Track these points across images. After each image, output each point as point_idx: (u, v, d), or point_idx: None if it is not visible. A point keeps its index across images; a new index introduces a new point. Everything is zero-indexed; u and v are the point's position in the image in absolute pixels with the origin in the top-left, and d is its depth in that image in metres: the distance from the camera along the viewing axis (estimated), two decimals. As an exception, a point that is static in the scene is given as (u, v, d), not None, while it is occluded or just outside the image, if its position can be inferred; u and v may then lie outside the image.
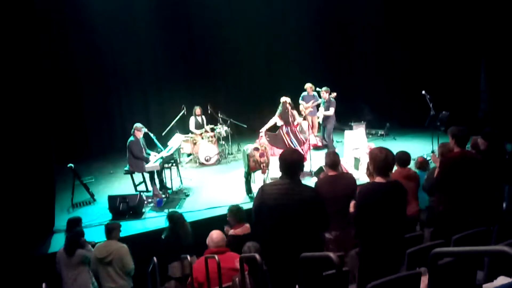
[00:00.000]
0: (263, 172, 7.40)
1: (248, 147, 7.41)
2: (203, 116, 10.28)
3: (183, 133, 9.81)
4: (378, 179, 3.30)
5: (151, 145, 8.29)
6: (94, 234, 6.26)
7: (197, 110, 10.14)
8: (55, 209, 6.85)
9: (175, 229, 5.32)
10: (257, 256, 3.24)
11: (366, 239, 3.31)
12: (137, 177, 7.84)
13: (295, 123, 8.28)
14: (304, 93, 10.34)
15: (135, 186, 7.79)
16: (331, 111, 9.17)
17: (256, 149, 7.32)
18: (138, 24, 11.64)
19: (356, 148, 8.37)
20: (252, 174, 7.62)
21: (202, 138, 9.77)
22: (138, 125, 7.70)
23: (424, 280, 2.80)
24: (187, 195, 7.82)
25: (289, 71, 12.47)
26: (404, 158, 5.11)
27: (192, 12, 12.26)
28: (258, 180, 7.76)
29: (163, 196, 7.62)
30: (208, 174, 9.09)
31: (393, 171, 5.26)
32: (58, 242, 6.08)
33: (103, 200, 7.54)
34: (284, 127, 8.20)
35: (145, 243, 5.67)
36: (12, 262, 5.70)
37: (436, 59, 11.03)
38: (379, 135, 11.23)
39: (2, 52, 6.08)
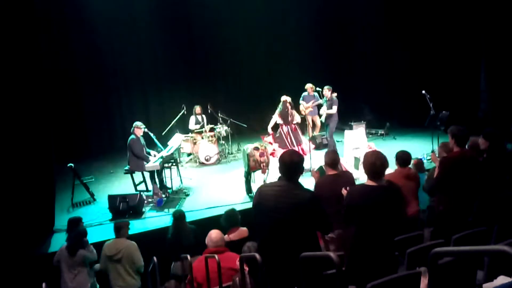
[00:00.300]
0: (263, 172, 7.40)
1: (248, 147, 7.41)
2: (203, 116, 10.29)
3: (183, 132, 9.81)
4: (368, 182, 3.30)
5: (151, 145, 8.29)
6: (94, 233, 6.27)
7: (197, 109, 10.14)
8: (55, 209, 6.84)
9: (176, 227, 5.35)
10: (257, 256, 3.24)
11: (354, 240, 3.30)
12: (137, 176, 7.84)
13: (294, 122, 8.31)
14: (305, 93, 10.35)
15: (135, 185, 7.78)
16: (334, 109, 9.18)
17: (256, 148, 7.33)
18: (138, 24, 11.65)
19: (356, 148, 8.37)
20: (252, 174, 7.62)
21: (202, 137, 9.78)
22: (137, 123, 7.70)
23: (424, 280, 2.80)
24: (187, 195, 7.82)
25: (289, 71, 12.47)
26: (404, 157, 5.11)
27: (192, 12, 12.27)
28: (258, 180, 7.75)
29: (163, 195, 7.62)
30: (208, 173, 9.09)
31: (393, 170, 5.32)
32: (58, 242, 6.08)
33: (103, 199, 7.54)
34: (283, 126, 8.23)
35: (145, 242, 5.66)
36: (12, 262, 5.70)
37: (436, 59, 11.03)
38: (379, 135, 11.23)
39: (2, 52, 6.08)
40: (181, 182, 8.34)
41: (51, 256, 5.38)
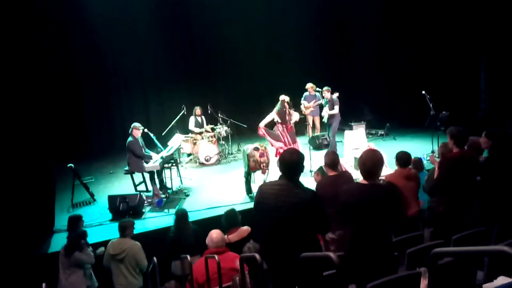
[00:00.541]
0: (263, 172, 7.40)
1: (248, 147, 7.41)
2: (203, 116, 10.29)
3: (183, 133, 9.81)
4: (362, 181, 3.30)
5: (151, 145, 8.29)
6: (94, 234, 6.27)
7: (197, 110, 10.15)
8: (55, 209, 6.84)
9: (178, 226, 5.36)
10: (257, 256, 3.24)
11: (350, 239, 3.30)
12: (137, 177, 7.84)
13: (291, 122, 8.36)
14: (306, 93, 10.36)
15: (135, 186, 7.78)
16: (336, 109, 9.19)
17: (256, 149, 7.33)
18: (138, 24, 11.66)
19: (356, 148, 8.37)
20: (252, 174, 7.62)
21: (202, 138, 9.78)
22: (136, 124, 7.68)
23: (424, 280, 2.80)
24: (187, 195, 7.82)
25: (289, 71, 12.47)
26: (404, 158, 5.11)
27: (192, 12, 12.28)
28: (258, 180, 7.75)
29: (163, 196, 7.62)
30: (208, 174, 9.09)
31: (394, 171, 5.32)
32: (58, 242, 6.07)
33: (103, 200, 7.54)
34: (280, 125, 8.27)
35: (145, 243, 5.65)
36: (12, 262, 5.70)
37: (436, 59, 11.03)
38: (379, 135, 11.23)
39: (2, 52, 6.08)
40: (181, 183, 8.34)
41: (51, 256, 5.40)
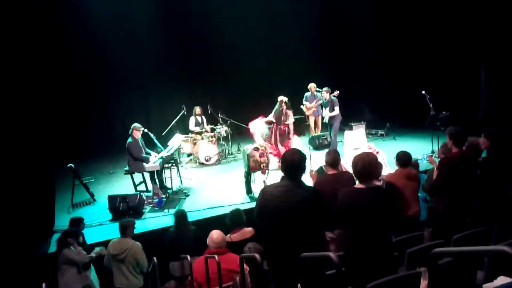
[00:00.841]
0: (263, 172, 7.40)
1: (248, 147, 7.41)
2: (203, 116, 10.29)
3: (183, 133, 9.81)
4: (358, 185, 3.29)
5: (151, 145, 8.29)
6: (94, 234, 6.27)
7: (197, 110, 10.14)
8: (55, 209, 6.84)
9: (177, 227, 5.35)
10: (257, 256, 3.24)
11: (349, 242, 3.29)
12: (137, 177, 7.84)
13: (287, 122, 8.45)
14: (308, 93, 10.36)
15: (135, 186, 7.79)
16: (336, 110, 9.26)
17: (256, 149, 7.33)
18: (138, 24, 11.65)
19: (356, 148, 8.36)
20: (252, 174, 7.62)
21: (202, 138, 9.78)
22: (136, 124, 7.69)
23: (424, 281, 2.80)
24: (187, 195, 7.82)
25: (290, 71, 12.48)
26: (404, 158, 5.11)
27: (192, 13, 12.28)
28: (258, 180, 7.76)
29: (163, 196, 7.62)
30: (208, 174, 9.09)
31: (394, 171, 5.32)
32: (58, 242, 6.07)
33: (103, 200, 7.54)
34: (275, 125, 8.39)
35: (145, 243, 5.65)
36: (12, 262, 5.70)
37: (436, 59, 11.03)
38: (379, 135, 11.23)
39: (2, 52, 6.09)
40: (181, 183, 8.34)
41: (51, 256, 5.38)
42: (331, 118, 9.33)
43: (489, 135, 4.69)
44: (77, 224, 5.63)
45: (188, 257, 4.51)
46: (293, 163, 3.19)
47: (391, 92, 12.28)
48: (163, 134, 9.73)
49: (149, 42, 11.89)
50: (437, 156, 6.75)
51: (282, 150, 8.31)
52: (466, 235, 3.56)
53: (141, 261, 5.07)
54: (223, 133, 9.99)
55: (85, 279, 5.16)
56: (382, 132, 11.17)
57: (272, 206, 3.16)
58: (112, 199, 7.04)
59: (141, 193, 7.41)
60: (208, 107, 10.31)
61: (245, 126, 10.75)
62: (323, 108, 9.71)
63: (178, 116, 10.03)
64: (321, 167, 6.92)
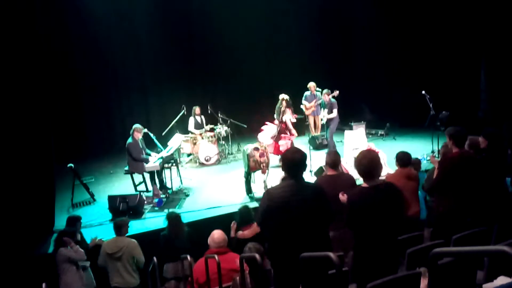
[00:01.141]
0: (263, 172, 7.40)
1: (248, 147, 7.41)
2: (202, 116, 10.28)
3: (183, 133, 9.81)
4: (364, 184, 3.29)
5: (151, 145, 8.29)
6: (94, 234, 6.25)
7: (197, 110, 10.13)
8: (55, 209, 6.85)
9: (169, 229, 5.37)
10: (257, 256, 3.24)
11: (357, 242, 3.30)
12: (137, 177, 7.84)
13: (283, 119, 8.59)
14: (307, 93, 10.37)
15: (135, 186, 7.78)
16: (335, 112, 9.30)
17: (256, 149, 7.33)
18: (138, 24, 11.64)
19: (356, 148, 8.35)
20: (252, 174, 7.62)
21: (202, 138, 9.78)
22: (138, 126, 7.67)
23: (424, 280, 2.80)
24: (187, 195, 7.82)
25: (290, 71, 12.47)
26: (404, 158, 5.12)
27: (192, 13, 12.27)
28: (258, 180, 7.76)
29: (163, 196, 7.62)
30: (208, 174, 9.09)
31: (394, 171, 5.32)
32: (58, 242, 6.07)
33: (103, 200, 7.54)
34: (275, 121, 8.58)
35: (145, 243, 5.66)
36: (12, 262, 5.70)
37: (436, 59, 11.03)
38: (379, 135, 11.23)
39: (3, 52, 6.09)
40: (181, 183, 8.35)
41: (51, 256, 5.38)
42: (328, 119, 9.36)
43: (487, 135, 4.70)
44: (73, 223, 5.64)
45: (188, 257, 4.51)
46: (294, 162, 3.21)
47: (391, 92, 12.27)
48: (163, 134, 9.72)
49: (149, 42, 11.88)
50: (437, 156, 6.75)
51: (271, 148, 8.48)
52: (466, 235, 3.56)
53: (138, 258, 5.10)
54: (223, 133, 9.99)
55: (84, 279, 5.17)
56: (382, 132, 11.17)
57: (279, 207, 3.16)
58: (112, 199, 7.05)
59: (141, 193, 7.42)
60: (208, 107, 10.31)
61: (245, 126, 10.79)
62: (322, 109, 9.73)
63: (178, 116, 10.02)
64: (321, 167, 6.93)
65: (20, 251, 5.97)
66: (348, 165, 8.10)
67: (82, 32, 11.04)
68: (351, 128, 10.37)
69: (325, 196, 3.25)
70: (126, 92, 12.05)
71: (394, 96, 12.18)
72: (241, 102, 12.29)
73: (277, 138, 8.68)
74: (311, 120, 10.62)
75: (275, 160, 8.44)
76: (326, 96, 9.36)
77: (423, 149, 8.96)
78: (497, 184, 4.58)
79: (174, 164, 8.20)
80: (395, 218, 3.22)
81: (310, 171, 7.75)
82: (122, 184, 8.58)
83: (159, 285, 5.26)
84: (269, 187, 6.95)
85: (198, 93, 12.14)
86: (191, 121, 10.13)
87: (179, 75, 12.27)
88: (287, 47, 12.92)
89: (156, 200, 7.38)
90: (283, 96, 8.60)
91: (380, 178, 5.21)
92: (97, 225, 6.76)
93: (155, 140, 8.09)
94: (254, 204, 6.49)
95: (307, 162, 3.59)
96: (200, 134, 9.87)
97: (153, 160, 7.51)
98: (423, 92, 8.69)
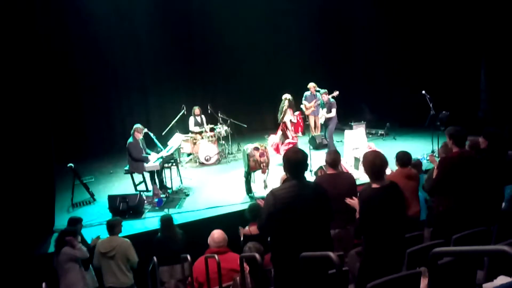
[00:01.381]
0: (263, 172, 7.40)
1: (248, 147, 7.41)
2: (202, 116, 10.28)
3: (183, 133, 9.81)
4: (373, 185, 3.30)
5: (151, 145, 8.29)
6: (94, 233, 6.25)
7: (196, 110, 10.14)
8: (55, 209, 6.85)
9: (164, 232, 5.38)
10: (257, 256, 3.24)
11: (368, 242, 3.31)
12: (137, 176, 7.84)
13: (284, 120, 8.63)
14: (307, 93, 10.37)
15: (135, 185, 7.78)
16: (333, 112, 9.35)
17: (256, 149, 7.33)
18: (138, 24, 11.64)
19: (356, 148, 8.37)
20: (252, 174, 7.62)
21: (202, 137, 9.78)
22: (138, 126, 7.67)
23: (424, 280, 2.80)
24: (187, 195, 7.82)
25: (290, 71, 12.48)
26: (404, 158, 5.11)
27: (192, 13, 12.27)
28: (258, 180, 7.76)
29: (163, 195, 7.62)
30: (208, 174, 9.09)
31: (394, 171, 5.32)
32: (58, 242, 6.07)
33: (103, 199, 7.54)
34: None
35: (145, 243, 5.66)
36: (12, 262, 5.70)
37: (436, 59, 11.03)
38: (379, 135, 11.23)
39: (3, 52, 6.09)
40: (181, 182, 8.35)
41: (51, 256, 5.38)
42: (327, 119, 9.39)
43: (487, 135, 4.69)
44: (74, 224, 5.64)
45: (188, 257, 4.51)
46: (296, 162, 3.21)
47: (391, 92, 12.28)
48: (163, 134, 9.73)
49: (149, 42, 11.88)
50: (437, 156, 6.74)
51: (271, 150, 8.55)
52: (466, 235, 3.56)
53: (131, 257, 5.11)
54: (223, 133, 9.99)
55: (87, 279, 5.17)
56: (382, 132, 11.17)
57: (284, 209, 3.14)
58: (112, 199, 7.05)
59: (141, 193, 7.42)
60: (208, 107, 10.31)
61: (245, 126, 10.79)
62: (321, 109, 9.76)
63: (178, 116, 10.03)
64: (321, 167, 6.93)
65: (20, 251, 5.96)
66: (348, 165, 8.12)
67: (82, 32, 11.04)
68: (351, 128, 10.36)
69: (326, 195, 3.26)
70: (126, 92, 12.04)
71: (394, 96, 12.19)
72: (241, 102, 12.30)
73: (283, 140, 8.72)
74: (311, 120, 10.62)
75: (275, 160, 8.44)
76: (325, 96, 9.41)
77: (423, 149, 8.96)
78: (497, 184, 4.58)
79: (174, 164, 8.20)
80: (403, 217, 3.28)
81: (311, 171, 7.75)
82: (122, 184, 8.58)
83: (159, 285, 5.26)
84: (269, 186, 6.99)
85: (198, 93, 12.15)
86: (191, 121, 10.13)
87: (179, 75, 12.27)
88: (287, 47, 12.93)
89: (156, 200, 7.38)
90: (286, 96, 8.66)
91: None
92: (97, 224, 6.75)
93: (155, 140, 8.09)
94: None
95: (308, 162, 3.58)
96: (201, 134, 9.87)
97: (153, 160, 7.51)
98: (423, 92, 8.70)
